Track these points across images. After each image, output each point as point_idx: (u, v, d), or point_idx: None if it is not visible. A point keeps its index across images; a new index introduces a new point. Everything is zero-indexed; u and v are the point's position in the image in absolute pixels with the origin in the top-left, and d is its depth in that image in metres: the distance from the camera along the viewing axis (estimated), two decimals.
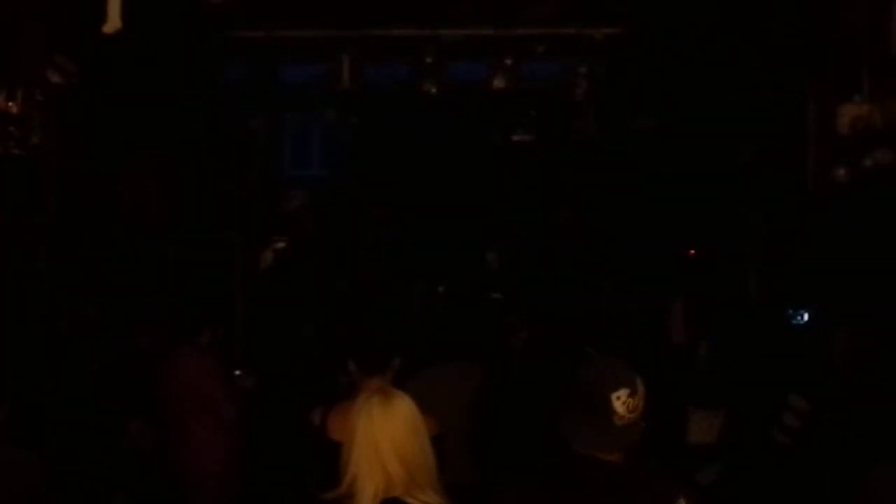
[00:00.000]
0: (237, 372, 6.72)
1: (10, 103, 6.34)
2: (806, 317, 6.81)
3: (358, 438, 2.95)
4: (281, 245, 10.98)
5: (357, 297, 8.02)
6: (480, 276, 10.07)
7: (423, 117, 10.78)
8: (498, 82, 8.26)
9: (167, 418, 6.40)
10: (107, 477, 6.30)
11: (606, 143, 9.96)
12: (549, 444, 2.98)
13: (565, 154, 11.25)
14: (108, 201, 9.31)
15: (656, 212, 10.46)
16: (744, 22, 6.71)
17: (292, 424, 5.09)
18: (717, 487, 5.08)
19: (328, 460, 3.01)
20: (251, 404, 7.06)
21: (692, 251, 9.54)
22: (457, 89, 9.10)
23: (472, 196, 11.23)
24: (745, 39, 6.71)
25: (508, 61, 8.06)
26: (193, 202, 11.44)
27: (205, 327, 6.37)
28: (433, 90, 8.29)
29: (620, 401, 2.87)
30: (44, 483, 4.90)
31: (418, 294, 9.63)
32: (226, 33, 7.50)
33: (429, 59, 8.05)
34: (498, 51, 8.16)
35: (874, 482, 3.39)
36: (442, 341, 5.91)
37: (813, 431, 4.51)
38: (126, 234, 9.80)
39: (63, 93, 7.01)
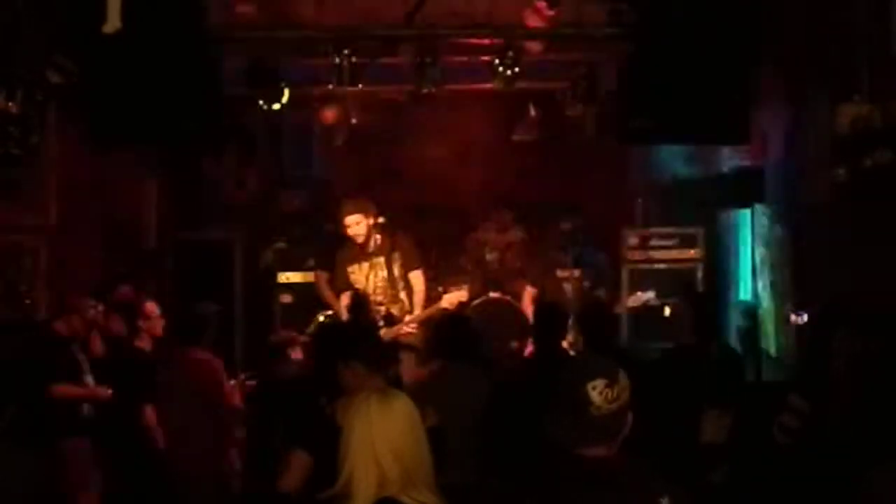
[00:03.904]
0: (242, 376, 6.73)
1: (10, 103, 6.34)
2: (806, 317, 6.80)
3: (355, 437, 2.96)
4: (281, 245, 10.98)
5: (360, 298, 8.01)
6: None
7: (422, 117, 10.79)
8: (498, 82, 8.25)
9: (171, 418, 6.40)
10: None
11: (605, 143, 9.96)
12: (541, 444, 2.99)
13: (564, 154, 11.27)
14: (107, 201, 9.32)
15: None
16: (744, 21, 6.70)
17: (300, 410, 5.10)
18: (730, 487, 5.08)
19: (336, 445, 3.01)
20: (252, 406, 7.07)
21: (692, 251, 9.53)
22: (457, 89, 9.11)
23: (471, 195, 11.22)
24: (746, 39, 6.70)
25: (508, 61, 8.05)
26: (193, 202, 11.45)
27: (206, 328, 6.39)
28: (433, 90, 8.28)
29: (597, 391, 2.88)
30: (48, 484, 4.91)
31: None
32: (226, 33, 7.49)
33: (429, 59, 8.05)
34: (498, 50, 8.15)
35: (874, 483, 3.39)
36: (443, 342, 5.92)
37: (813, 432, 4.50)
38: (126, 235, 9.81)
39: (63, 93, 7.01)
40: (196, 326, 6.43)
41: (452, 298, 7.77)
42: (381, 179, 11.26)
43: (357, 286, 8.04)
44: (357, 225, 7.96)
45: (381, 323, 7.80)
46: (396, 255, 8.07)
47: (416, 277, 8.10)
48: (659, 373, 2.97)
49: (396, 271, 8.07)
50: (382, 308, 7.97)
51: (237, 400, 6.43)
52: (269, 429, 6.16)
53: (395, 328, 7.78)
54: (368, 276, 8.05)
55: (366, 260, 8.06)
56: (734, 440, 5.30)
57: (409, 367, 6.96)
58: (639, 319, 8.98)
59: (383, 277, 8.06)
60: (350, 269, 8.09)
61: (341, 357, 4.68)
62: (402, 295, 8.06)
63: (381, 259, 8.05)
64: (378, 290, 8.04)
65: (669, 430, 2.99)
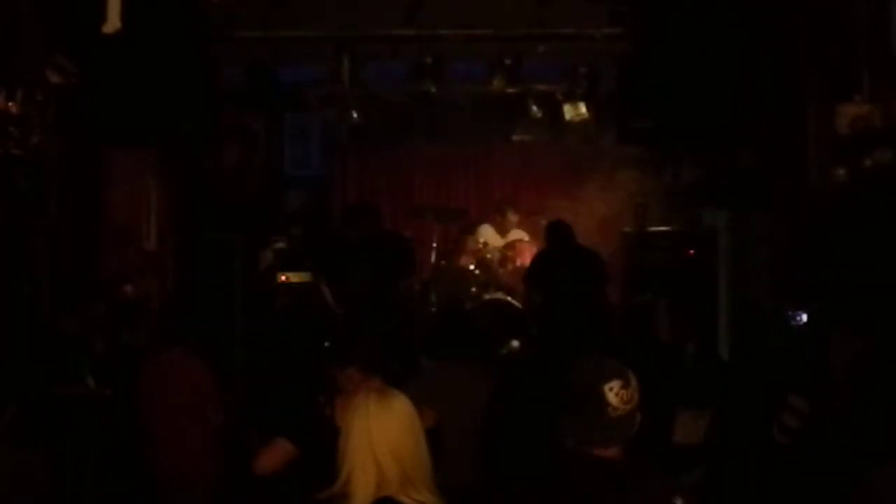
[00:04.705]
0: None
1: (10, 103, 6.33)
2: (805, 317, 6.80)
3: (353, 437, 2.96)
4: (281, 245, 10.99)
5: (356, 299, 8.14)
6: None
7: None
8: (498, 82, 8.26)
9: (158, 420, 6.36)
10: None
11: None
12: (549, 443, 3.00)
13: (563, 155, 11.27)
14: (107, 201, 9.32)
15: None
16: (744, 22, 6.70)
17: (293, 404, 5.11)
18: (702, 488, 5.09)
19: (334, 444, 3.01)
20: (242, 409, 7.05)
21: (691, 251, 9.54)
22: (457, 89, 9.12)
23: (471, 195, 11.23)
24: (746, 39, 6.71)
25: (508, 61, 8.05)
26: (193, 202, 11.45)
27: (196, 329, 6.35)
28: (433, 90, 8.29)
29: (613, 392, 2.89)
30: (49, 485, 4.89)
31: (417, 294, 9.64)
32: (226, 33, 7.49)
33: (429, 60, 8.05)
34: (498, 51, 8.15)
35: (872, 483, 3.39)
36: (443, 341, 5.91)
37: (812, 432, 4.51)
38: (126, 235, 9.81)
39: (63, 93, 7.00)
40: (181, 327, 6.39)
41: None
42: (381, 179, 11.27)
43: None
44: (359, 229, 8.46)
45: None
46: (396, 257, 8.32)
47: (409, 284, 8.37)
48: (636, 372, 2.99)
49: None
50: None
51: (222, 403, 6.39)
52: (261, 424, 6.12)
53: None
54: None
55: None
56: (711, 441, 5.30)
57: None
58: (636, 319, 8.98)
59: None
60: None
61: (337, 362, 4.69)
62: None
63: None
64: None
65: (642, 430, 2.99)
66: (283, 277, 10.55)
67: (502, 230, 10.35)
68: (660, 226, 9.94)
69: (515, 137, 11.11)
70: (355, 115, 10.83)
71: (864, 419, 4.22)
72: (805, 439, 4.55)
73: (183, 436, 6.16)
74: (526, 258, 9.83)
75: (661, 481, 2.95)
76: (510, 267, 10.04)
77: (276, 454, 4.50)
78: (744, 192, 8.61)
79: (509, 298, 9.56)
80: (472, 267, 10.07)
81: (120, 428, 6.81)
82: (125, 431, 6.72)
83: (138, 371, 6.50)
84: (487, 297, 9.64)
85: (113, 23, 5.71)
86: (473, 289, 9.52)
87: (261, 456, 4.56)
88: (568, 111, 9.68)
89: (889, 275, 5.84)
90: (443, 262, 10.26)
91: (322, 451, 3.25)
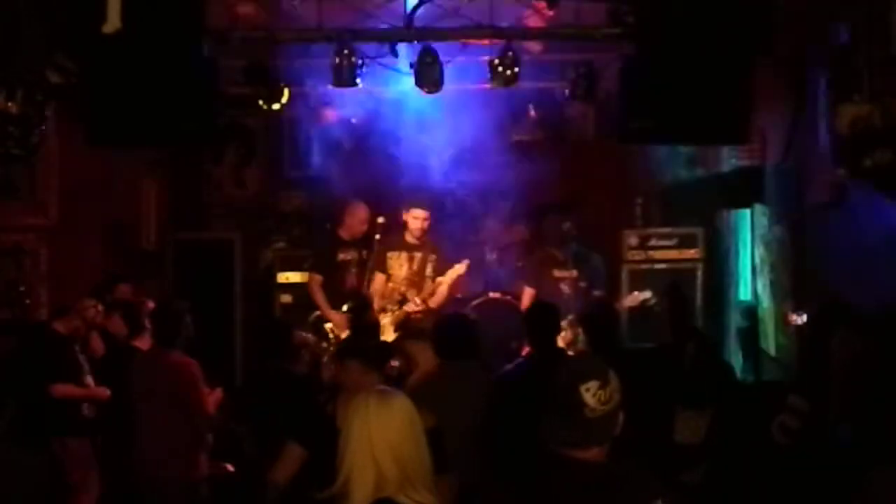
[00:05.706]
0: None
1: (9, 103, 6.33)
2: (805, 317, 6.80)
3: (353, 437, 2.96)
4: (281, 245, 11.00)
5: (362, 300, 8.18)
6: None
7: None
8: (497, 82, 8.24)
9: (141, 419, 6.35)
10: None
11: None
12: (538, 446, 2.99)
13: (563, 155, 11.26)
14: (107, 201, 9.32)
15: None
16: (744, 21, 6.70)
17: (299, 405, 5.13)
18: (703, 488, 5.08)
19: (335, 444, 3.02)
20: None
21: (691, 251, 9.52)
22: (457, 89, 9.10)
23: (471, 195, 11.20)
24: (745, 39, 6.70)
25: (508, 61, 8.03)
26: (193, 202, 11.45)
27: (181, 328, 6.33)
28: (433, 90, 8.27)
29: (590, 392, 2.89)
30: (48, 484, 4.91)
31: None
32: (226, 33, 7.48)
33: (429, 59, 8.03)
34: (498, 51, 8.13)
35: (872, 483, 3.39)
36: (442, 342, 5.91)
37: (812, 432, 4.51)
38: (126, 235, 9.81)
39: (63, 93, 7.00)
40: (171, 326, 6.38)
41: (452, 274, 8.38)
42: (381, 179, 11.24)
43: (390, 271, 8.59)
44: (422, 220, 8.61)
45: (396, 307, 8.49)
46: (434, 257, 8.63)
47: (443, 284, 8.50)
48: (635, 372, 2.99)
49: (428, 270, 8.61)
50: (399, 294, 8.54)
51: (211, 406, 6.38)
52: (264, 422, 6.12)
53: (405, 307, 8.38)
54: (403, 265, 8.62)
55: (407, 250, 8.63)
56: (711, 441, 5.30)
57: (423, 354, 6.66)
58: (635, 319, 8.98)
59: (416, 271, 8.61)
60: (390, 255, 8.62)
61: (339, 355, 4.71)
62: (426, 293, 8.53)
63: (420, 254, 8.63)
64: (406, 280, 8.57)
65: (643, 430, 2.99)
66: (285, 277, 10.56)
67: (505, 222, 10.39)
68: (660, 226, 9.93)
69: (515, 137, 11.10)
70: (355, 114, 10.82)
71: (864, 419, 4.22)
72: (805, 439, 4.55)
73: (168, 436, 6.15)
74: (525, 258, 9.84)
75: (642, 483, 2.93)
76: (510, 267, 10.05)
77: (290, 462, 4.51)
78: (744, 191, 8.60)
79: (509, 298, 9.56)
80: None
81: (121, 427, 6.83)
82: (127, 430, 6.74)
83: (131, 370, 6.51)
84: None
85: (113, 23, 5.72)
86: None
87: (277, 466, 4.56)
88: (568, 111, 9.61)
89: (888, 275, 5.84)
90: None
91: (325, 452, 3.25)
